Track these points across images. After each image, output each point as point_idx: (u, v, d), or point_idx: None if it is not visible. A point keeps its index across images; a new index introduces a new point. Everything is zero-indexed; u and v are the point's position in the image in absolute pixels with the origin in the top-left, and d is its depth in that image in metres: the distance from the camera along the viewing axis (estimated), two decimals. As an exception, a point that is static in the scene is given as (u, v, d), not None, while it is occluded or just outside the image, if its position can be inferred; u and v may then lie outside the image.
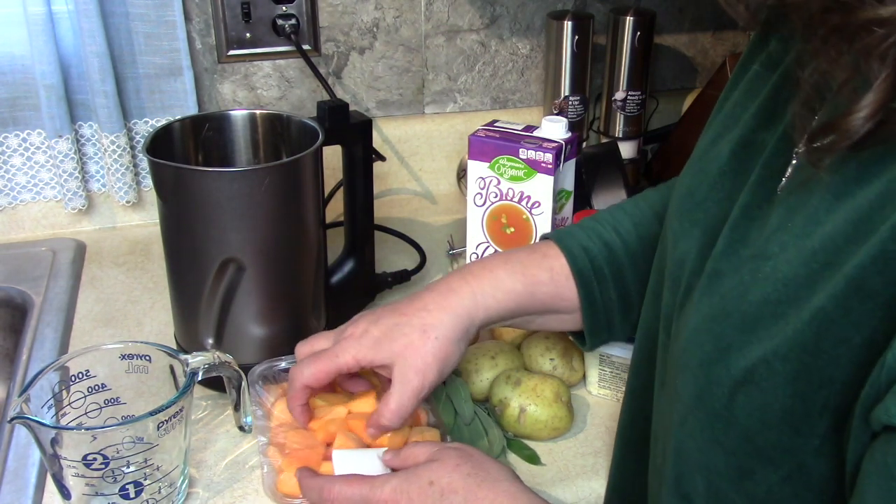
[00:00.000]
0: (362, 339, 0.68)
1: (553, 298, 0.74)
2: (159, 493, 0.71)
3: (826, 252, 0.45)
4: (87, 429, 0.71)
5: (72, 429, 0.71)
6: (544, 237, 0.78)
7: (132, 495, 0.70)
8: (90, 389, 0.73)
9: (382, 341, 0.68)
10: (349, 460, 0.68)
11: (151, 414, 0.67)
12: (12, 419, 0.65)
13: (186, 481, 0.74)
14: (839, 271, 0.44)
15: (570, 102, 1.25)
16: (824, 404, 0.45)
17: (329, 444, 0.72)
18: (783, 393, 0.46)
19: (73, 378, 0.72)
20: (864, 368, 0.42)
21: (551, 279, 0.73)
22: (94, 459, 0.67)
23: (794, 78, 0.48)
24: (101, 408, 0.74)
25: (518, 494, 0.59)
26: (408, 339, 0.67)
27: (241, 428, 0.78)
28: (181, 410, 0.69)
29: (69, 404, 0.73)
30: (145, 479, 0.69)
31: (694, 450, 0.53)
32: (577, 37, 1.21)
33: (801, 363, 0.45)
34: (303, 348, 0.73)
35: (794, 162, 0.52)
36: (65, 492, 0.69)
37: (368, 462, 0.67)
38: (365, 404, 0.74)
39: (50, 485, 0.77)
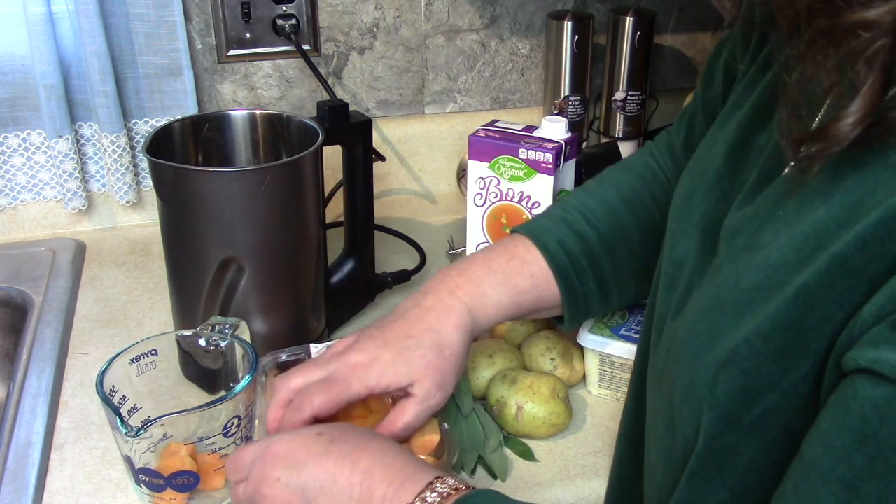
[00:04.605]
0: (373, 367, 0.68)
1: (536, 303, 0.76)
2: None
3: (818, 236, 0.45)
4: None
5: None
6: (516, 231, 0.78)
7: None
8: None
9: (398, 365, 0.68)
10: None
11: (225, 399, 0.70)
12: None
13: None
14: (828, 252, 0.44)
15: (570, 102, 1.25)
16: (809, 370, 0.45)
17: None
18: (767, 370, 0.47)
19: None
20: None
21: (533, 286, 0.75)
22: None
23: (780, 83, 0.48)
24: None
25: (407, 453, 0.60)
26: (425, 359, 0.68)
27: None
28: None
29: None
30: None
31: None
32: (577, 37, 1.21)
33: (785, 340, 0.46)
34: (295, 380, 0.69)
35: (791, 163, 0.52)
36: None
37: None
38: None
39: (50, 485, 0.77)
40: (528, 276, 0.74)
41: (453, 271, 0.75)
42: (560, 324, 0.79)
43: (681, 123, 0.79)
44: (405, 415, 0.68)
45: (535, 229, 0.77)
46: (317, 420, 0.67)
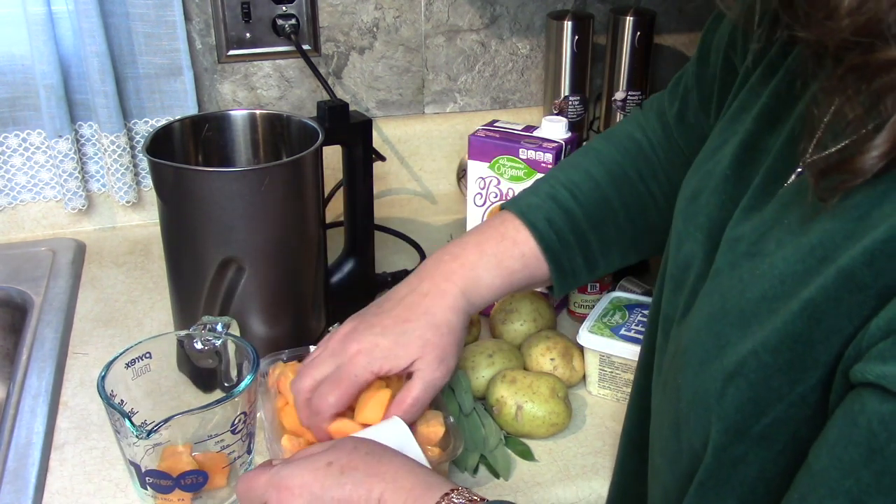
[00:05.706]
0: (375, 353, 0.70)
1: (527, 280, 0.78)
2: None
3: (824, 248, 0.45)
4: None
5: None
6: (505, 208, 0.79)
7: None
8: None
9: (397, 349, 0.70)
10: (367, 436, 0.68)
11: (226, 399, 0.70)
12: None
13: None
14: (834, 265, 0.44)
15: (570, 102, 1.25)
16: (817, 381, 0.46)
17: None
18: (775, 382, 0.47)
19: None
20: None
21: (524, 266, 0.76)
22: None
23: (807, 115, 0.48)
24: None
25: (416, 468, 0.60)
26: (423, 339, 0.70)
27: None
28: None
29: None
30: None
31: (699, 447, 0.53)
32: (577, 37, 1.21)
33: (793, 353, 0.46)
34: (304, 382, 0.71)
35: (798, 170, 0.52)
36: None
37: (384, 435, 0.68)
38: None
39: (50, 485, 0.77)
40: (520, 257, 0.76)
41: (447, 255, 0.76)
42: (549, 294, 0.80)
43: (674, 95, 0.79)
44: (413, 390, 0.70)
45: (524, 208, 0.78)
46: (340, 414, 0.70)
